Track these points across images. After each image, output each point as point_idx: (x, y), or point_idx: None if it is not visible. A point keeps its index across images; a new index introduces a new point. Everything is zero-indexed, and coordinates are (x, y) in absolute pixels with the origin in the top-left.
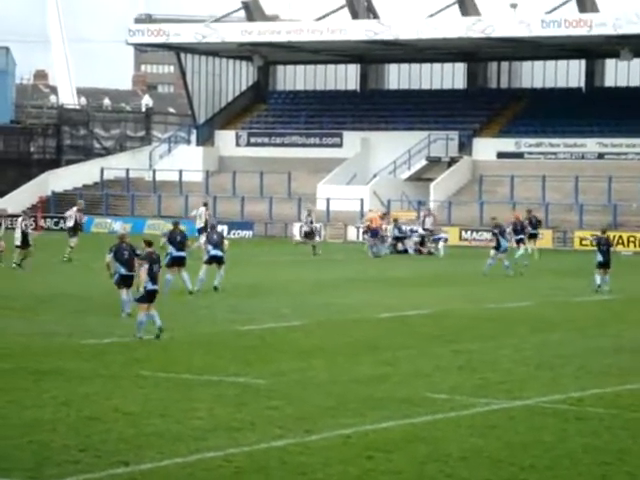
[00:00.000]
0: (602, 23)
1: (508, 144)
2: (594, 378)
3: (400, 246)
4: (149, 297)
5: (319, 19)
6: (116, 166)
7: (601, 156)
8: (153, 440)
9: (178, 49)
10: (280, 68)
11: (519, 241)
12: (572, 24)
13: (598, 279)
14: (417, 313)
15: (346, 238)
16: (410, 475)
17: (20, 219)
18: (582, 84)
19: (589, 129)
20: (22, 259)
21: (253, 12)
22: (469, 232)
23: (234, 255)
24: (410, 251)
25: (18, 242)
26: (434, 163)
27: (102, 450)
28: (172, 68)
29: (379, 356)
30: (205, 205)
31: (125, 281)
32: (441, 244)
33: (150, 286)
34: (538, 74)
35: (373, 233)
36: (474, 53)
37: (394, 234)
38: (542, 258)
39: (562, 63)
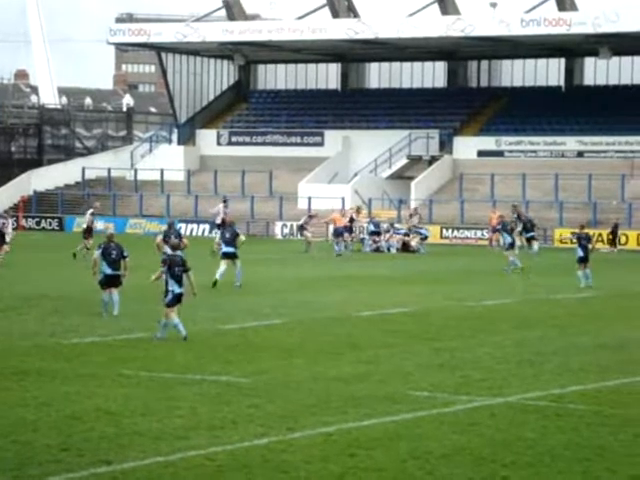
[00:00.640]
0: (581, 22)
1: (488, 142)
2: (574, 375)
3: (381, 244)
4: (176, 301)
5: (300, 18)
6: (98, 166)
7: (581, 154)
8: (135, 439)
9: (159, 48)
10: (261, 67)
11: (530, 239)
12: (551, 23)
13: (581, 275)
14: (398, 311)
15: (328, 236)
16: (392, 472)
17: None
18: (562, 83)
19: (569, 127)
20: None
21: (234, 11)
22: (450, 230)
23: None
24: (392, 250)
25: None
26: (415, 162)
27: (84, 449)
28: (153, 67)
29: (360, 354)
30: (224, 202)
31: (110, 281)
32: (414, 243)
33: (177, 289)
34: (518, 73)
35: (336, 232)
36: (454, 52)
37: (369, 229)
38: (522, 256)
39: (542, 62)
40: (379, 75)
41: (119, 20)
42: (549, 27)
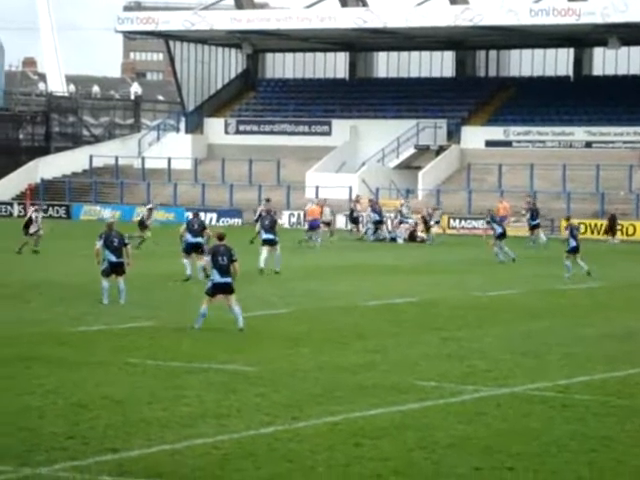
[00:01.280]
0: (590, 12)
1: (496, 132)
2: (581, 365)
3: (384, 233)
4: (216, 290)
5: (308, 7)
6: (105, 154)
7: (589, 144)
8: (141, 427)
9: (167, 37)
10: (269, 56)
11: (534, 227)
12: (560, 13)
13: (570, 265)
14: (405, 301)
15: (335, 225)
16: (398, 462)
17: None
18: (570, 73)
19: (577, 117)
20: (23, 245)
21: (242, 0)
22: (457, 220)
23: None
24: (399, 240)
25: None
26: (422, 151)
27: (90, 437)
28: (161, 56)
29: (367, 344)
30: (267, 201)
31: (115, 268)
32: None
33: (217, 278)
34: (526, 63)
35: (311, 225)
36: (462, 41)
37: (373, 219)
38: (529, 246)
39: (550, 52)
40: (387, 64)
41: (127, 8)
42: (558, 17)
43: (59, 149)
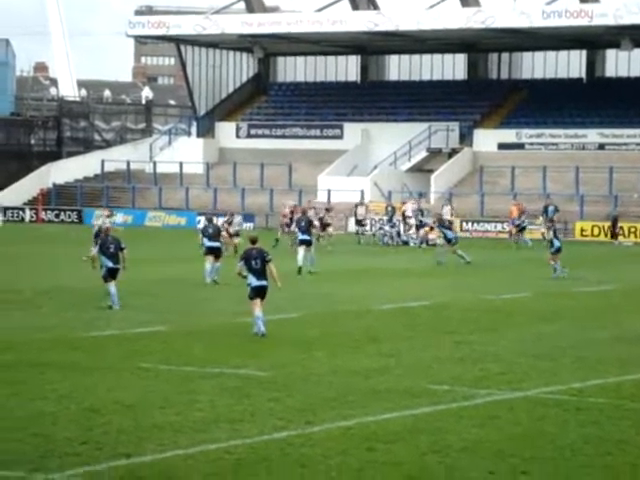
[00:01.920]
0: (603, 14)
1: (509, 135)
2: (594, 369)
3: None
4: (256, 294)
5: (319, 10)
6: (117, 158)
7: (602, 147)
8: (154, 432)
9: (178, 41)
10: (280, 59)
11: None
12: (573, 15)
13: (559, 265)
14: (418, 304)
15: (347, 229)
16: (411, 466)
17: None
18: (583, 75)
19: (590, 120)
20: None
21: (253, 3)
22: (470, 223)
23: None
24: (411, 243)
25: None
26: (435, 154)
27: (103, 442)
28: (172, 60)
29: (380, 347)
30: (306, 203)
31: (112, 274)
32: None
33: (254, 282)
34: (539, 65)
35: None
36: (474, 44)
37: (417, 222)
38: (541, 248)
39: (563, 54)
40: (399, 67)
41: (138, 12)
42: (570, 19)
43: (71, 154)
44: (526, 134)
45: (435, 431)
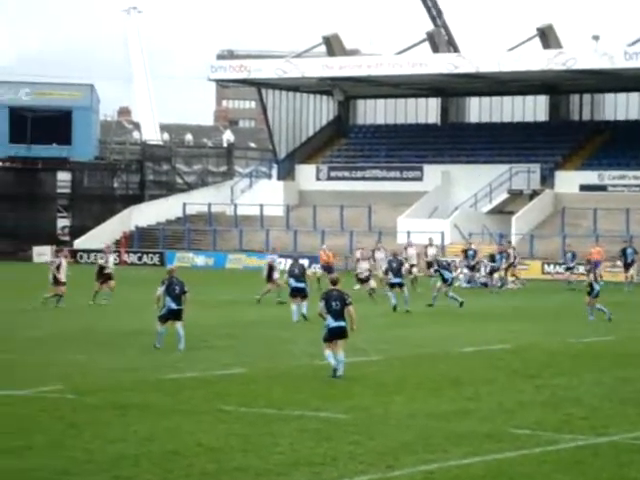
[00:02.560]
0: None
1: (591, 177)
2: None
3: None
4: (332, 335)
5: (399, 53)
6: (198, 201)
7: None
8: (235, 475)
9: (259, 84)
10: (360, 102)
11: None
12: None
13: (602, 306)
14: (499, 347)
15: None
16: None
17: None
18: None
19: None
20: (95, 293)
21: (334, 47)
22: (551, 265)
23: (314, 289)
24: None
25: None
26: (516, 196)
27: None
28: (253, 103)
29: (461, 390)
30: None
31: (174, 315)
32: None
33: (332, 323)
34: (621, 106)
35: (325, 268)
36: (556, 85)
37: (486, 267)
38: (619, 292)
39: None
40: (479, 109)
41: (220, 57)
42: None
43: (153, 197)
44: (608, 175)
45: (519, 476)
